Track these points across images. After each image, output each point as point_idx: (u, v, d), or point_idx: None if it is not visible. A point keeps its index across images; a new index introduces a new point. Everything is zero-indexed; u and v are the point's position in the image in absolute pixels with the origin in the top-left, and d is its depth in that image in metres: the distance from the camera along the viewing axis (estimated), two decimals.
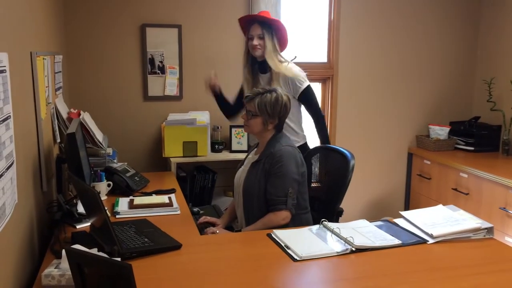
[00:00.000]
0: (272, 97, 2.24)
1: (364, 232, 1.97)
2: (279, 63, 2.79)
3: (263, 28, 2.77)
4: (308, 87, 2.82)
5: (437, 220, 2.04)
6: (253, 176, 2.26)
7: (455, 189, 3.53)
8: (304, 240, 1.91)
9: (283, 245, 1.85)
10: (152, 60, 3.46)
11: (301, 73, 2.83)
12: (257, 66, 2.88)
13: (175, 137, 3.27)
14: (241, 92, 2.98)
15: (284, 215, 2.18)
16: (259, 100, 2.24)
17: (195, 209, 2.75)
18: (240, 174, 2.38)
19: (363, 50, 3.87)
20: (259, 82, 2.87)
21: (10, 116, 1.46)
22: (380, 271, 1.67)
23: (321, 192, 2.61)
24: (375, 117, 4.01)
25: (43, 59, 2.14)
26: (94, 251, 1.56)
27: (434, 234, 1.92)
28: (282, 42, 2.86)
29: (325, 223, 2.03)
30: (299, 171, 2.25)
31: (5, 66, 1.41)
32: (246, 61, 2.90)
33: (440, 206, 2.20)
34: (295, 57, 3.55)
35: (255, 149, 2.43)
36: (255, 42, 2.77)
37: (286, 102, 2.27)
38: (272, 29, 2.79)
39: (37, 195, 1.94)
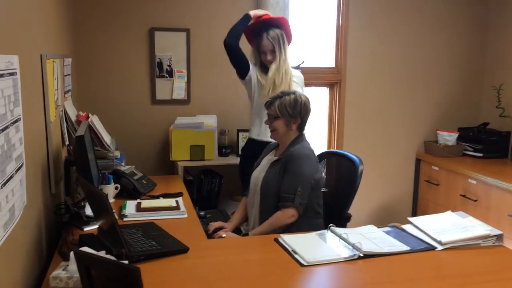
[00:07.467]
0: (291, 98, 2.31)
1: (372, 238, 1.96)
2: (278, 73, 2.82)
3: (273, 42, 2.80)
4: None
5: (446, 226, 2.02)
6: (272, 175, 2.29)
7: (464, 196, 3.50)
8: (312, 245, 1.90)
9: (290, 250, 1.85)
10: (160, 64, 3.47)
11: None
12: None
13: (183, 141, 3.27)
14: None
15: (290, 213, 2.18)
16: (279, 103, 2.31)
17: (202, 213, 2.76)
18: (258, 174, 2.40)
19: (371, 55, 3.86)
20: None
21: (20, 118, 1.46)
22: (388, 278, 1.66)
23: (329, 197, 2.60)
24: (383, 122, 4.00)
25: (53, 62, 2.15)
26: (102, 253, 1.56)
27: (443, 240, 1.90)
28: (289, 39, 2.90)
29: (333, 228, 2.02)
30: (313, 175, 2.26)
31: (16, 69, 1.42)
32: (256, 60, 2.94)
33: (449, 212, 2.19)
34: (303, 61, 3.56)
35: (273, 150, 2.45)
36: (269, 57, 2.83)
37: (305, 102, 2.34)
38: (279, 35, 2.82)
39: (46, 197, 1.95)
